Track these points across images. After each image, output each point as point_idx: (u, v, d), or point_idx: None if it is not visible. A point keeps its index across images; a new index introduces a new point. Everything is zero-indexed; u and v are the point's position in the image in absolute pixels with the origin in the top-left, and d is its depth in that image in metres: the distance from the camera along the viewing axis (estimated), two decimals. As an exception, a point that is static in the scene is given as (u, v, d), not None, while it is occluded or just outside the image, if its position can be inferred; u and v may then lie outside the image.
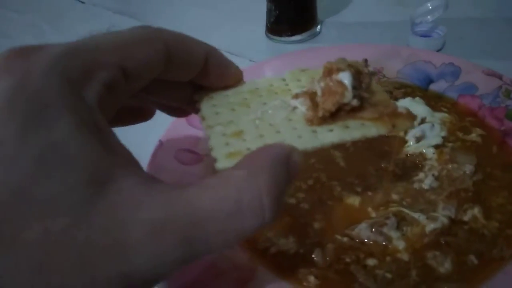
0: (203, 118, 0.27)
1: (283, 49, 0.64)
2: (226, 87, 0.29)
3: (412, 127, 0.38)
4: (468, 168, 0.39)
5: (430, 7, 0.59)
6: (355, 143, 0.40)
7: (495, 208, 0.36)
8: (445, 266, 0.32)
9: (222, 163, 0.24)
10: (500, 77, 0.46)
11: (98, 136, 0.19)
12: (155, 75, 0.25)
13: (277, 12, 0.63)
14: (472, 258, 0.33)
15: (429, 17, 0.59)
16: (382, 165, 0.40)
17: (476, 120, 0.44)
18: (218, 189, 0.20)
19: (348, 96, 0.26)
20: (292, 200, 0.38)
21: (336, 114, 0.26)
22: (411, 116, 0.27)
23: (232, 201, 0.20)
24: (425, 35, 0.60)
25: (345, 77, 0.26)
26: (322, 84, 0.26)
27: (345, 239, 0.35)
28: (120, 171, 0.19)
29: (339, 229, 0.35)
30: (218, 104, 0.28)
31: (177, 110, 0.32)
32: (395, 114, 0.27)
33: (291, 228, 0.36)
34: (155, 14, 0.76)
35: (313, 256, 0.34)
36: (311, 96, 0.27)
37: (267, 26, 0.66)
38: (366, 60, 0.28)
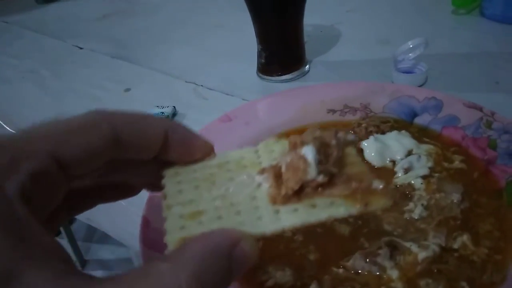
0: (164, 197, 0.26)
1: (274, 88, 0.66)
2: (195, 161, 0.28)
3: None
4: (455, 197, 0.40)
5: (411, 46, 0.62)
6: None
7: (483, 235, 0.37)
8: (438, 293, 0.33)
9: None
10: (480, 109, 0.49)
11: (11, 227, 0.19)
12: (102, 159, 0.24)
13: (267, 53, 0.66)
14: (464, 285, 0.34)
15: (410, 54, 0.63)
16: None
17: (461, 150, 0.46)
18: (134, 285, 0.18)
19: (312, 173, 0.23)
20: (288, 233, 0.39)
21: (302, 191, 0.24)
22: (387, 194, 0.25)
23: None
24: (407, 72, 0.63)
25: (308, 152, 0.24)
26: (288, 158, 0.25)
27: (341, 270, 0.36)
28: (31, 266, 0.18)
29: (333, 260, 0.36)
30: (183, 180, 0.27)
31: (155, 186, 0.30)
32: (369, 191, 0.24)
33: (288, 261, 0.36)
34: (149, 57, 0.79)
35: (310, 288, 0.34)
36: (277, 171, 0.25)
37: (258, 66, 0.69)
38: (336, 131, 0.26)
